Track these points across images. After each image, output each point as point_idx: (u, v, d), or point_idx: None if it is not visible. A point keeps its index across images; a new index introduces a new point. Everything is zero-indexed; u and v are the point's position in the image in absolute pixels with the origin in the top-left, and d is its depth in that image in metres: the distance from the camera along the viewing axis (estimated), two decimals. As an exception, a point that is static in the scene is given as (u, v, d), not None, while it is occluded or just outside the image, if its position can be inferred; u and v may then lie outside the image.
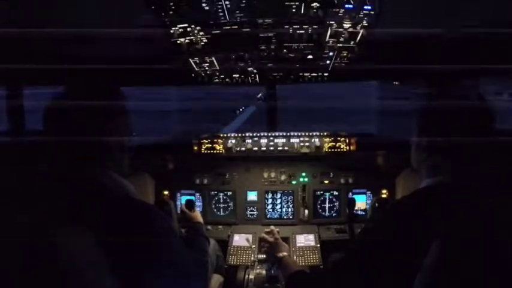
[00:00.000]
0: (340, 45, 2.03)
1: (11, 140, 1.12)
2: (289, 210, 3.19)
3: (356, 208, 3.03)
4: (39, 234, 0.94)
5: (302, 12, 1.65)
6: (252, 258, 2.77)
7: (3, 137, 1.14)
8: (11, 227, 0.95)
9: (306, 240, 2.95)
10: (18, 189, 1.03)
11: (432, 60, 2.09)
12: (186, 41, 1.96)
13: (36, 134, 1.20)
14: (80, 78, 1.36)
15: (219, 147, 3.07)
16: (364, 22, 1.72)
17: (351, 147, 3.02)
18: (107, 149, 1.29)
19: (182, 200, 3.23)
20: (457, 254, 0.96)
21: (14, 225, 0.95)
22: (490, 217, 1.01)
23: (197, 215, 2.43)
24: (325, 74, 2.58)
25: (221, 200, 3.25)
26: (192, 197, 3.20)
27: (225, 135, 3.10)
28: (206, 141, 3.08)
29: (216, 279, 2.50)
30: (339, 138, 3.03)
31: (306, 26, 1.83)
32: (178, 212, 2.93)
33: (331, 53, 2.19)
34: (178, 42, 1.95)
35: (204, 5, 1.58)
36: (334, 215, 3.19)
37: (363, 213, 3.11)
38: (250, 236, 2.95)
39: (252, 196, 3.20)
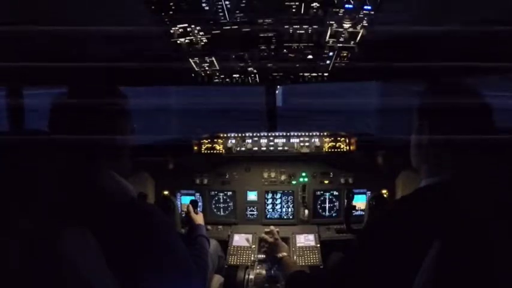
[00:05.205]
0: (340, 45, 2.03)
1: (11, 140, 1.12)
2: (289, 210, 3.19)
3: (356, 207, 3.03)
4: (39, 235, 0.94)
5: (302, 12, 1.64)
6: (252, 258, 2.77)
7: (3, 138, 1.14)
8: (11, 228, 0.95)
9: (306, 240, 2.95)
10: (19, 190, 1.03)
11: (432, 59, 2.08)
12: (186, 41, 1.96)
13: (36, 135, 1.20)
14: (80, 80, 1.37)
15: (219, 147, 3.07)
16: (364, 22, 1.72)
17: (351, 147, 3.02)
18: (107, 149, 1.29)
19: (182, 200, 3.23)
20: (457, 254, 0.96)
21: (14, 227, 0.95)
22: (490, 217, 1.00)
23: (200, 217, 2.43)
24: (325, 74, 2.58)
25: (221, 200, 3.25)
26: (194, 198, 3.20)
27: (225, 135, 3.10)
28: (206, 141, 3.08)
29: (216, 279, 2.50)
30: (339, 138, 3.03)
31: (306, 26, 1.83)
32: (179, 211, 2.93)
33: (331, 53, 2.18)
34: (178, 42, 1.95)
35: (204, 5, 1.57)
36: (334, 215, 3.19)
37: (362, 213, 3.10)
38: (250, 236, 2.95)
39: (252, 196, 3.20)
